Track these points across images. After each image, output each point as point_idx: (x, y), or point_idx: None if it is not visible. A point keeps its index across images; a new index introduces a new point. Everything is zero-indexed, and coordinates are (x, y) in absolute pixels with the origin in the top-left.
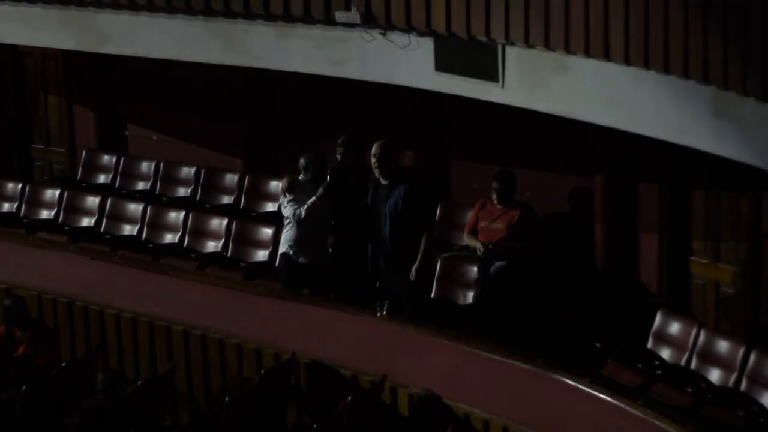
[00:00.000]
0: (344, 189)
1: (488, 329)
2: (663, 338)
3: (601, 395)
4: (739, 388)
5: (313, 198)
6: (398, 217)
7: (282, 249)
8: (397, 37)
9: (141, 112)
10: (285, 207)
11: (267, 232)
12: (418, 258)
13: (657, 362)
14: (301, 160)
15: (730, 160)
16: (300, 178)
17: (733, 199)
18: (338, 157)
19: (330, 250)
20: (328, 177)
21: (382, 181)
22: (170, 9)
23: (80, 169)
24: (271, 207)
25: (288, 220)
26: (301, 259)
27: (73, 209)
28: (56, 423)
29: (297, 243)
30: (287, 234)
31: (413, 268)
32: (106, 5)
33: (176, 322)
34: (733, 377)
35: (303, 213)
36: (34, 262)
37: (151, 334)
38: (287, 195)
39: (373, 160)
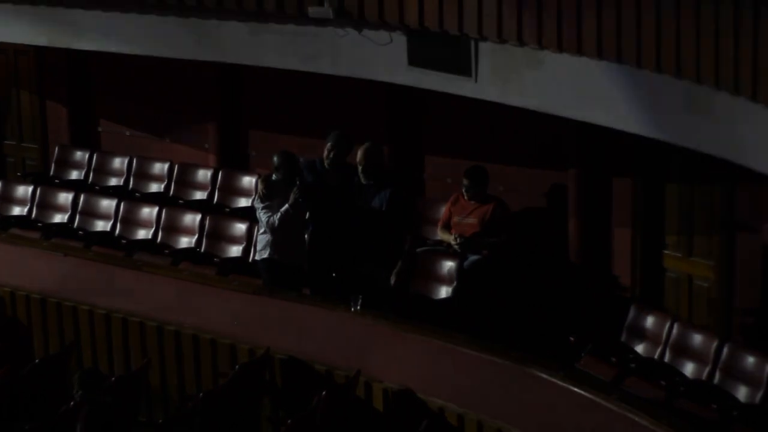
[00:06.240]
0: (322, 189)
1: (462, 324)
2: (637, 332)
3: (575, 389)
4: (713, 381)
5: (286, 206)
6: (381, 218)
7: (262, 254)
8: (370, 32)
9: (114, 108)
10: (259, 212)
11: (240, 227)
12: (400, 262)
13: (631, 356)
14: (275, 159)
15: (703, 154)
16: (273, 177)
17: (707, 193)
18: (329, 156)
19: (308, 249)
20: (298, 183)
21: (363, 181)
22: (143, 5)
23: (53, 165)
24: (244, 203)
25: (263, 226)
26: (282, 261)
27: (46, 205)
28: (29, 420)
29: (275, 247)
30: (263, 238)
31: (394, 272)
32: (77, 1)
33: (150, 318)
34: (707, 370)
35: (276, 222)
36: (6, 258)
37: (124, 330)
38: (263, 201)
39: (359, 164)
